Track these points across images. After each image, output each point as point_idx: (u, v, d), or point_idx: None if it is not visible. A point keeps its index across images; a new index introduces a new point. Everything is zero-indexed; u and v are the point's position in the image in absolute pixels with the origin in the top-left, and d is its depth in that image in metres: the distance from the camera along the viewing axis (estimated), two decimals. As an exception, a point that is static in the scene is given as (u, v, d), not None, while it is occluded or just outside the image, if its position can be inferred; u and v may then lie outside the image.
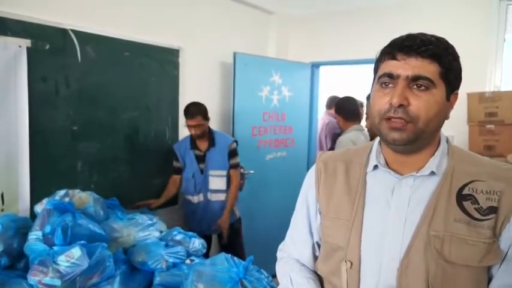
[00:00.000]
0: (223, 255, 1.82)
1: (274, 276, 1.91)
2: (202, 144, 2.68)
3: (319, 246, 0.98)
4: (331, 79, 5.52)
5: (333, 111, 4.34)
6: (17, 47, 2.02)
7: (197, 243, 2.21)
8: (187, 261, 2.00)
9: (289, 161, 3.72)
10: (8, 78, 2.01)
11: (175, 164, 2.74)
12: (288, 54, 4.00)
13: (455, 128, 3.06)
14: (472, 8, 3.09)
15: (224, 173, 2.69)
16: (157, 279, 1.90)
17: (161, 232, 2.25)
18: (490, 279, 0.80)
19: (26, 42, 2.05)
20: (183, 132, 3.00)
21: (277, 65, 3.55)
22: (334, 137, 4.01)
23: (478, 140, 2.84)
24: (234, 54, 3.15)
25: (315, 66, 3.96)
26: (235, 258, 1.78)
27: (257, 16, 3.71)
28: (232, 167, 2.72)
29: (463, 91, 3.13)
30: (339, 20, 3.74)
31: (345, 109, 2.73)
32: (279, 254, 1.08)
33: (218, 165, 2.68)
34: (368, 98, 2.67)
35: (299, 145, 3.84)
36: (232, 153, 2.72)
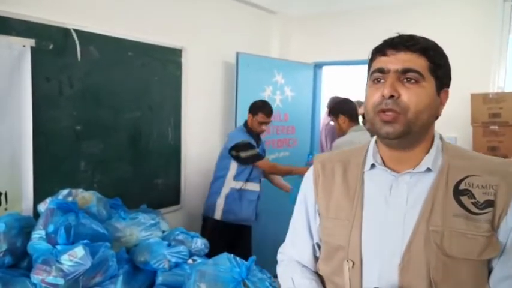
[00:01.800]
0: (225, 255, 1.82)
1: (276, 276, 1.93)
2: (258, 139, 2.84)
3: (319, 247, 0.99)
4: (333, 79, 5.50)
5: None
6: (21, 47, 2.03)
7: (199, 243, 2.21)
8: (190, 261, 2.00)
9: (291, 161, 3.70)
10: (11, 78, 2.01)
11: (253, 151, 2.72)
12: (291, 55, 4.00)
13: (459, 129, 3.05)
14: (475, 8, 3.08)
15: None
16: (159, 279, 1.90)
17: (164, 232, 2.25)
18: (490, 272, 0.81)
19: (30, 42, 2.06)
20: (186, 131, 3.01)
21: (280, 65, 3.55)
22: (334, 137, 4.00)
23: (482, 141, 2.83)
24: (237, 54, 3.15)
25: (318, 66, 3.96)
26: (238, 258, 1.78)
27: (260, 16, 3.71)
28: None
29: (467, 92, 3.12)
30: (341, 20, 3.73)
31: (350, 110, 2.69)
32: (279, 257, 1.08)
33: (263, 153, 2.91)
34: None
35: (301, 145, 3.84)
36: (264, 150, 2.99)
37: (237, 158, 2.70)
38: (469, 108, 2.86)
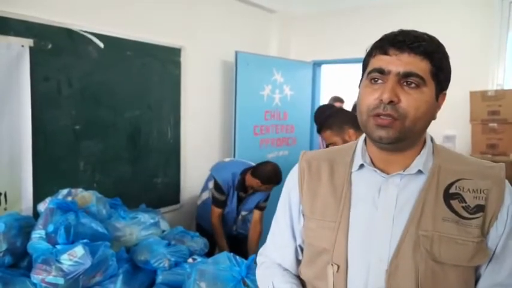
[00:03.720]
0: (225, 254, 1.82)
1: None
2: (250, 191, 2.59)
3: (302, 249, 0.94)
4: (333, 78, 5.50)
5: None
6: (20, 47, 2.02)
7: (199, 242, 2.22)
8: (190, 260, 2.00)
9: (290, 160, 3.71)
10: (10, 78, 2.01)
11: (219, 196, 2.55)
12: (290, 53, 4.00)
13: (458, 126, 3.06)
14: (474, 6, 3.08)
15: (250, 211, 2.71)
16: (159, 278, 1.91)
17: (163, 231, 2.26)
18: (477, 279, 0.79)
19: (29, 42, 2.05)
20: (185, 131, 3.01)
21: (279, 64, 3.55)
22: None
23: (481, 139, 2.83)
24: (236, 53, 3.14)
25: (317, 64, 3.96)
26: (238, 257, 1.79)
27: (259, 15, 3.71)
28: (260, 208, 2.67)
29: (465, 89, 3.12)
30: (340, 19, 3.73)
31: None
32: (259, 259, 1.03)
33: (249, 207, 2.68)
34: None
35: (301, 144, 3.84)
36: (266, 198, 2.67)
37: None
38: (468, 105, 2.87)
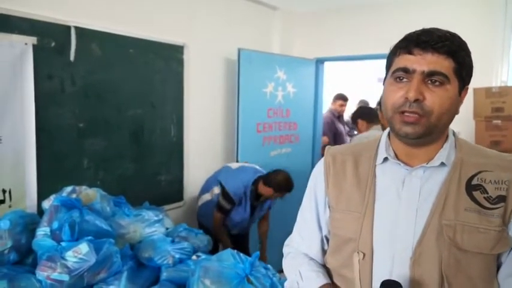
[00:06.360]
0: (229, 251, 1.83)
1: (280, 271, 1.94)
2: (262, 198, 2.67)
3: (327, 240, 0.99)
4: (336, 75, 5.50)
5: (334, 107, 4.47)
6: (23, 45, 2.03)
7: (203, 239, 2.23)
8: (194, 257, 2.01)
9: (293, 157, 3.72)
10: (14, 76, 2.02)
11: (226, 204, 2.60)
12: (293, 50, 3.99)
13: (461, 123, 3.03)
14: (478, 2, 3.06)
15: (262, 217, 2.89)
16: (164, 275, 1.92)
17: (167, 228, 2.27)
18: (498, 267, 0.82)
19: (32, 40, 2.06)
20: (188, 128, 3.01)
21: (282, 61, 3.54)
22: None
23: (485, 136, 2.82)
24: (239, 50, 3.14)
25: (320, 62, 3.94)
26: (242, 254, 1.79)
27: (261, 12, 3.70)
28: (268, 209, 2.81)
29: (469, 86, 3.10)
30: (343, 16, 3.72)
31: (369, 115, 3.12)
32: (285, 249, 1.07)
33: (262, 213, 2.83)
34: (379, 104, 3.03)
35: (304, 141, 3.84)
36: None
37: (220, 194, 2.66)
38: (472, 102, 2.85)
